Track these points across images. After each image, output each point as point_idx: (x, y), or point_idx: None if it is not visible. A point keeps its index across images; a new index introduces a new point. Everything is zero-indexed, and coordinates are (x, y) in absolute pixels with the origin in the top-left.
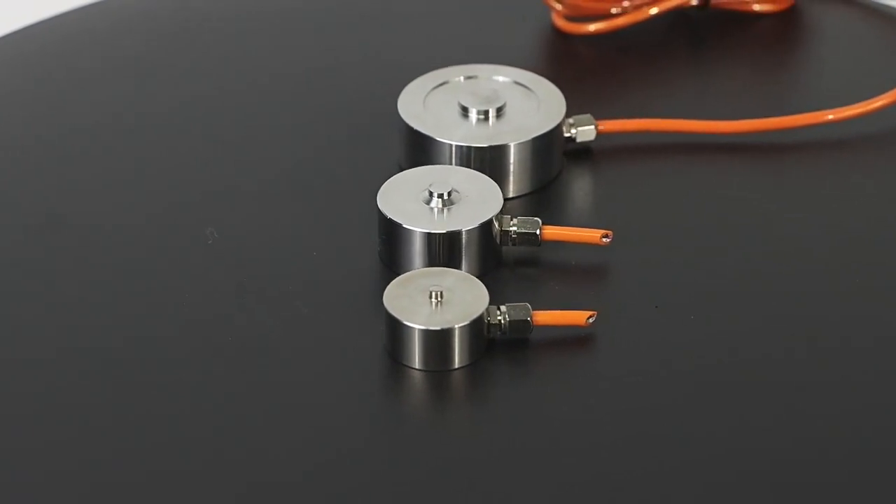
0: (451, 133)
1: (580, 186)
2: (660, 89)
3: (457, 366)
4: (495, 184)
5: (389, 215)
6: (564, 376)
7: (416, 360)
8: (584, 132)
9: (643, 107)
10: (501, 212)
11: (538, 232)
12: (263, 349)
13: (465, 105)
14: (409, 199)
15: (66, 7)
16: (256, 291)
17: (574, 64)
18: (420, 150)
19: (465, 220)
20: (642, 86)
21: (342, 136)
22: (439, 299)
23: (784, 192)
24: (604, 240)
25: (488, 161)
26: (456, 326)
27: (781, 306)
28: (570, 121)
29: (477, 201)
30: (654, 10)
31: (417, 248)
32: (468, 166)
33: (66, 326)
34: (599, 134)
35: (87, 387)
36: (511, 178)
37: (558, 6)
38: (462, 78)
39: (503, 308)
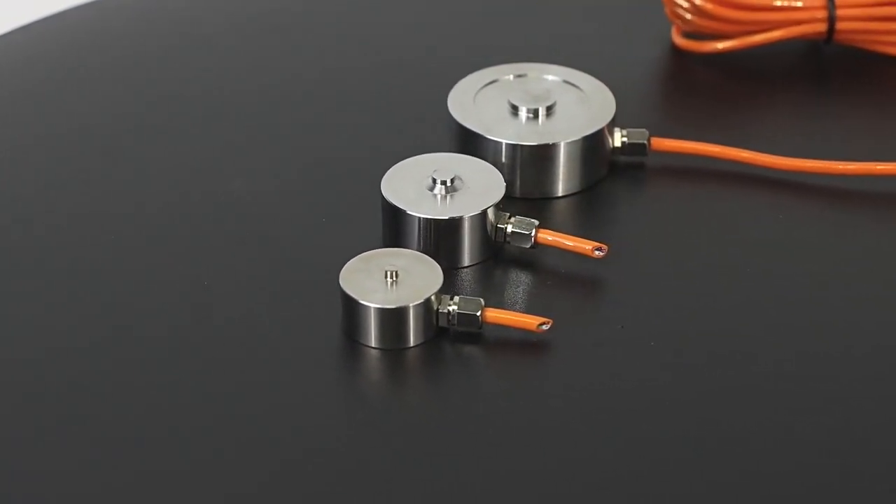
0: (501, 131)
1: (613, 198)
2: (754, 118)
3: (412, 344)
4: (500, 174)
5: (389, 199)
6: (516, 370)
7: (372, 339)
8: (634, 146)
9: (728, 133)
10: (505, 209)
11: (531, 234)
12: (233, 330)
13: (515, 103)
14: (412, 185)
15: (65, 6)
16: (250, 263)
17: (676, 81)
18: (469, 146)
19: (463, 207)
20: (734, 111)
21: (392, 130)
22: (394, 279)
23: (821, 240)
24: (596, 252)
25: (537, 159)
26: (410, 305)
27: (756, 352)
28: (623, 132)
29: (479, 191)
30: (764, 37)
31: (410, 233)
32: (517, 164)
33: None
34: (653, 151)
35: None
36: (560, 177)
37: (679, 22)
38: (512, 76)
39: (455, 299)
